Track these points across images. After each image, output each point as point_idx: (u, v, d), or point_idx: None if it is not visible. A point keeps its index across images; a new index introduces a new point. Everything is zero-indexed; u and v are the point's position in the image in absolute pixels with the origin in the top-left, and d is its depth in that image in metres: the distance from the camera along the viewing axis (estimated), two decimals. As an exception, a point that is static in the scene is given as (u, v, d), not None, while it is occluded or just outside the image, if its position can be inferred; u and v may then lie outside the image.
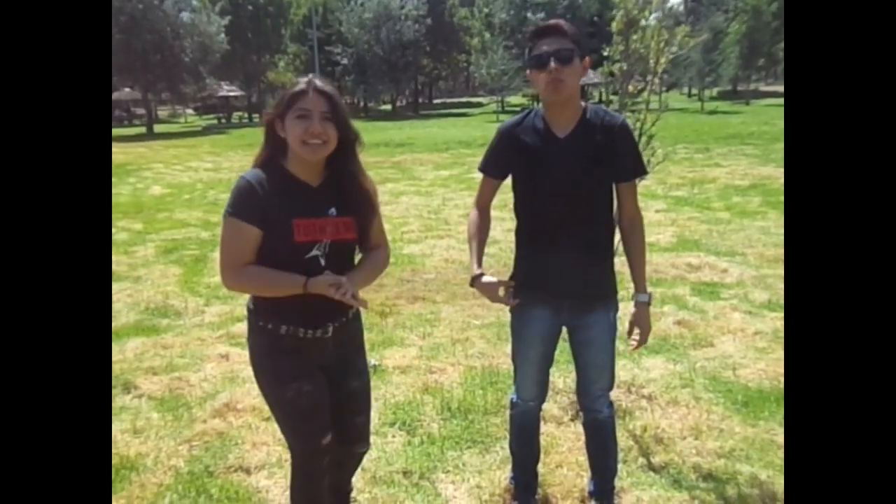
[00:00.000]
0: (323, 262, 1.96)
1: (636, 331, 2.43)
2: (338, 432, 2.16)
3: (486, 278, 2.31)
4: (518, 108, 43.76)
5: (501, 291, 2.36)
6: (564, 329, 2.46)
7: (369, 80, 47.37)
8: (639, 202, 2.41)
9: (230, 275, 1.96)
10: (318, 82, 1.95)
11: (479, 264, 2.35)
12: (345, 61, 46.69)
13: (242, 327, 4.86)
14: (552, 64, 2.14)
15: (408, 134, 26.74)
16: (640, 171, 2.39)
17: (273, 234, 1.92)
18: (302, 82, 1.95)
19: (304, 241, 1.93)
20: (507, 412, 2.71)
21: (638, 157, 2.39)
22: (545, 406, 2.68)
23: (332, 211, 2.00)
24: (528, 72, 2.25)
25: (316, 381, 2.08)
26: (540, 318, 2.39)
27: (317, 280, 1.89)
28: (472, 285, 2.35)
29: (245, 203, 1.91)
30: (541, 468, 2.79)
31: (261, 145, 2.03)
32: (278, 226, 1.91)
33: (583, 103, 2.29)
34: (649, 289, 2.45)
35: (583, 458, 2.85)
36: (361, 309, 2.08)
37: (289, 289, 1.92)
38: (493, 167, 2.40)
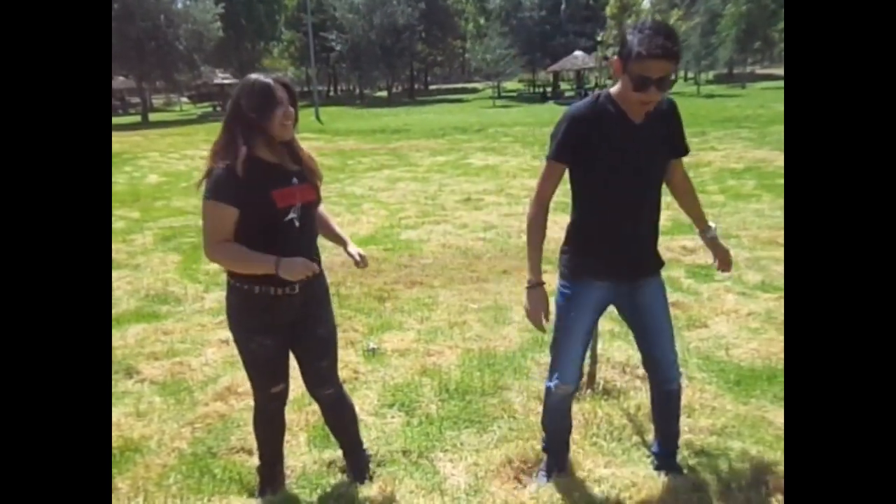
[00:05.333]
0: (297, 223, 2.31)
1: (720, 258, 2.69)
2: (305, 375, 2.62)
3: (541, 294, 2.46)
4: (514, 93, 43.64)
5: (544, 319, 2.49)
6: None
7: (364, 67, 47.12)
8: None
9: (212, 249, 2.28)
10: (279, 76, 2.33)
11: (540, 272, 2.46)
12: (339, 48, 46.40)
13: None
14: (653, 91, 2.15)
15: (404, 120, 26.68)
16: (687, 145, 2.56)
17: (256, 206, 2.22)
18: (269, 79, 2.26)
19: (283, 207, 2.26)
20: (545, 401, 2.74)
21: (685, 133, 2.55)
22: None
23: (295, 180, 2.34)
24: (614, 58, 2.22)
25: (277, 337, 2.45)
26: (597, 288, 2.48)
27: (288, 266, 2.20)
28: (529, 289, 2.47)
29: (222, 188, 2.21)
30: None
31: (228, 140, 2.27)
32: (260, 199, 2.22)
33: None
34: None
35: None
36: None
37: (262, 269, 2.23)
38: (570, 153, 2.34)
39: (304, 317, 2.48)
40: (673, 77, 2.18)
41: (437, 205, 9.16)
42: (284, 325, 2.44)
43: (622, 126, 2.29)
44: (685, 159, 2.62)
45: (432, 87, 63.30)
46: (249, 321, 2.40)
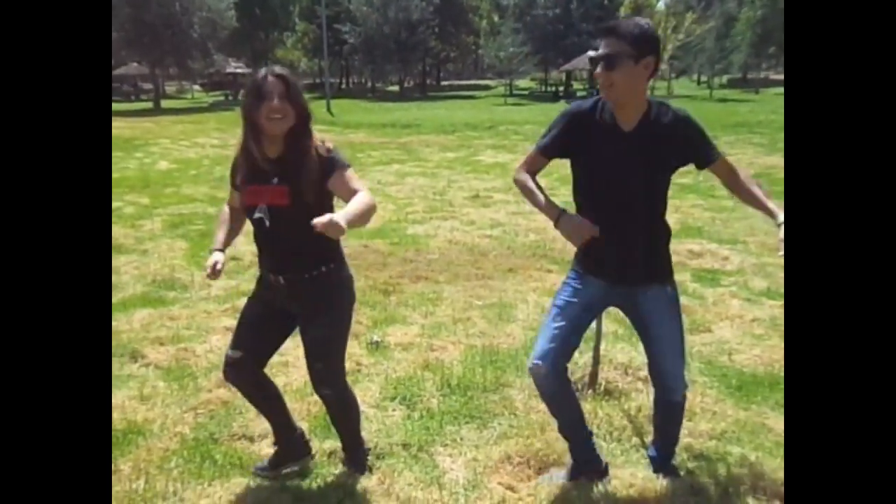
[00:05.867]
0: (268, 223, 2.39)
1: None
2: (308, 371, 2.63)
3: (570, 216, 2.36)
4: (526, 92, 43.60)
5: (589, 230, 2.34)
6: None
7: (377, 60, 47.13)
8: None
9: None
10: (276, 69, 2.34)
11: (554, 203, 2.41)
12: (353, 40, 46.39)
13: (248, 301, 4.97)
14: (599, 68, 2.20)
15: (415, 115, 26.69)
16: (716, 151, 2.41)
17: (241, 195, 2.49)
18: (262, 73, 2.32)
19: (248, 204, 2.42)
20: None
21: (710, 140, 2.41)
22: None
23: (275, 180, 2.35)
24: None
25: (266, 311, 2.59)
26: (594, 284, 2.48)
27: (209, 257, 2.53)
28: (558, 222, 2.36)
29: (231, 173, 2.54)
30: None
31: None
32: (240, 191, 2.49)
33: (647, 100, 2.32)
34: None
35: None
36: (359, 282, 2.52)
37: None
38: (555, 148, 2.40)
39: (301, 313, 2.54)
40: (616, 54, 2.15)
41: (445, 201, 9.17)
42: (277, 307, 2.56)
43: (611, 133, 2.30)
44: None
45: (444, 82, 63.30)
46: (256, 290, 2.66)
